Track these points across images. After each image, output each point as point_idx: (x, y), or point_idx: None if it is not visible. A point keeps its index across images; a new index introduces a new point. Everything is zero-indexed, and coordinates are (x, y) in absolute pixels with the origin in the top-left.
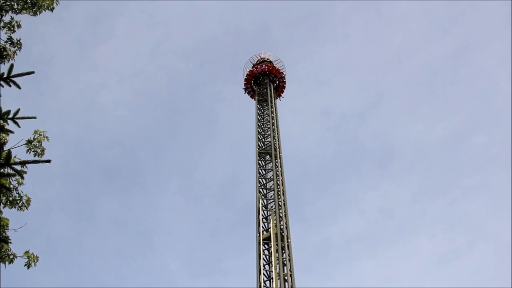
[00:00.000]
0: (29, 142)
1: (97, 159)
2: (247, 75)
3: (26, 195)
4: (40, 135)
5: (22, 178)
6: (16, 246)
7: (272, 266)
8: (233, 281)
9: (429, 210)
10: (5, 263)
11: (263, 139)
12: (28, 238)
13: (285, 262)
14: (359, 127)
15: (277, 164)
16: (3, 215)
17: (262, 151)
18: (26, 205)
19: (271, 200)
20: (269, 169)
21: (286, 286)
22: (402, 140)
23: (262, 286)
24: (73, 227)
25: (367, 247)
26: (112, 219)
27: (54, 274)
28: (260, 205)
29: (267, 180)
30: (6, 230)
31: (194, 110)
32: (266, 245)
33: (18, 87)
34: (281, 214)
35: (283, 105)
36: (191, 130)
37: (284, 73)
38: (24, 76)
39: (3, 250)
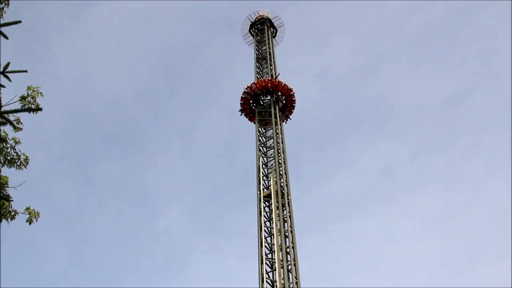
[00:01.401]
0: (22, 98)
1: (96, 123)
2: (244, 92)
3: (24, 154)
4: (34, 91)
5: (15, 128)
6: (18, 208)
7: (272, 222)
8: (234, 239)
9: (427, 169)
10: (7, 220)
11: (262, 98)
12: (30, 202)
13: (285, 218)
14: (358, 88)
15: (276, 122)
16: (2, 174)
17: (261, 110)
18: (25, 163)
19: (271, 158)
20: (269, 128)
21: (287, 242)
22: (402, 101)
23: (263, 242)
24: (74, 190)
25: (365, 205)
26: (113, 182)
27: (57, 236)
28: (260, 163)
29: (267, 138)
30: (6, 188)
31: (193, 71)
32: (266, 203)
33: (6, 37)
34: (281, 172)
35: (282, 65)
36: (190, 91)
37: (293, 90)
38: (18, 42)
39: (4, 207)
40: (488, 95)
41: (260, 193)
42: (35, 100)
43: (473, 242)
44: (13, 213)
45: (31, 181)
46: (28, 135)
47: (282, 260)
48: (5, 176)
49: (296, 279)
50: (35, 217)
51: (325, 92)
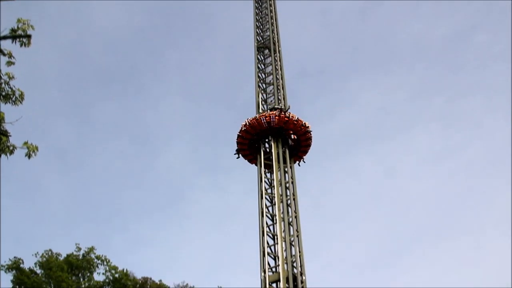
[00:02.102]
0: (13, 31)
1: (93, 64)
2: (242, 131)
3: (18, 89)
4: (24, 24)
5: (4, 55)
6: (16, 143)
7: (271, 157)
8: (234, 176)
9: (427, 107)
10: (6, 155)
11: (261, 33)
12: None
13: (280, 104)
14: (359, 26)
15: (276, 58)
16: None
17: (260, 46)
18: (20, 99)
19: (271, 95)
20: (268, 64)
21: (286, 177)
22: (403, 39)
23: (263, 178)
24: (73, 131)
25: (365, 143)
26: (112, 122)
27: (59, 175)
28: (260, 100)
29: (266, 74)
30: (3, 124)
31: (189, 7)
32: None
33: None
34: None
35: (281, 4)
36: (187, 29)
37: (310, 128)
38: None
39: (2, 142)
40: (491, 33)
41: None
42: (26, 33)
43: (472, 179)
44: (11, 148)
45: (28, 122)
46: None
47: (281, 195)
48: (2, 112)
49: (295, 213)
50: (34, 151)
51: (325, 31)
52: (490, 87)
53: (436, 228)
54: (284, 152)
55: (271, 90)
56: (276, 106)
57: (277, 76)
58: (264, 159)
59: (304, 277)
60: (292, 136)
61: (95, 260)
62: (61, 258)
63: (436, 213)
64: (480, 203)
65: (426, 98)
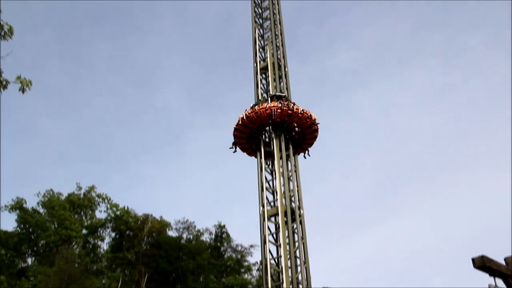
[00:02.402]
0: None
1: (85, 2)
2: (239, 125)
3: (7, 23)
4: None
5: None
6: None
7: (269, 93)
8: (232, 114)
9: (427, 43)
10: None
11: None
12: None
13: (282, 90)
14: None
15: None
16: None
17: None
18: (9, 34)
19: (267, 30)
20: None
21: (282, 83)
22: None
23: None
24: (67, 70)
25: (363, 80)
26: (107, 61)
27: (55, 116)
28: (257, 35)
29: (263, 9)
30: None
31: None
32: (263, 75)
33: None
34: (277, 44)
35: None
36: None
37: (317, 120)
38: None
39: None
40: None
41: (256, 65)
42: None
43: (471, 116)
44: (4, 83)
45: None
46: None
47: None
48: None
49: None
50: (28, 85)
51: None
52: (492, 23)
53: (433, 163)
54: (287, 146)
55: (268, 26)
56: (278, 94)
57: (274, 11)
58: (265, 151)
59: (302, 211)
60: (296, 129)
61: (96, 198)
62: (63, 198)
63: (433, 149)
64: (478, 139)
65: (426, 34)
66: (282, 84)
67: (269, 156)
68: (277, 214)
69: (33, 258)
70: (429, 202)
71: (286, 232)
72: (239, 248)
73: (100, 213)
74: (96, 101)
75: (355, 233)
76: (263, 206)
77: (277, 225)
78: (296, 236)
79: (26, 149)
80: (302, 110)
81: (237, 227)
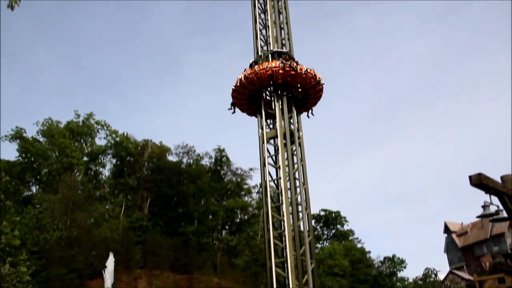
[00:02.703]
0: None
1: None
2: (238, 86)
3: None
4: None
5: None
6: None
7: (267, 15)
8: (229, 37)
9: None
10: None
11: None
12: None
13: (280, 10)
14: None
15: None
16: None
17: None
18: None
19: None
20: None
21: (282, 34)
22: None
23: (258, 35)
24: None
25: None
26: None
27: (47, 43)
28: None
29: None
30: None
31: None
32: (262, 21)
33: None
34: None
35: None
36: None
37: (322, 79)
38: None
39: None
40: None
41: (254, 8)
42: None
43: (472, 39)
44: None
45: None
46: None
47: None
48: None
49: (287, 25)
50: (16, 2)
51: None
52: None
53: (433, 87)
54: (289, 107)
55: None
56: (279, 50)
57: None
58: (266, 113)
59: (300, 133)
60: (300, 89)
61: (95, 125)
62: (62, 126)
63: (434, 72)
64: (479, 62)
65: None
66: (283, 36)
67: (271, 116)
68: (276, 136)
69: (37, 187)
70: (428, 126)
71: (285, 154)
72: (239, 171)
73: (100, 140)
74: (87, 26)
75: (353, 156)
76: (262, 129)
77: (276, 148)
78: (295, 158)
79: (21, 78)
80: (306, 70)
81: (236, 150)
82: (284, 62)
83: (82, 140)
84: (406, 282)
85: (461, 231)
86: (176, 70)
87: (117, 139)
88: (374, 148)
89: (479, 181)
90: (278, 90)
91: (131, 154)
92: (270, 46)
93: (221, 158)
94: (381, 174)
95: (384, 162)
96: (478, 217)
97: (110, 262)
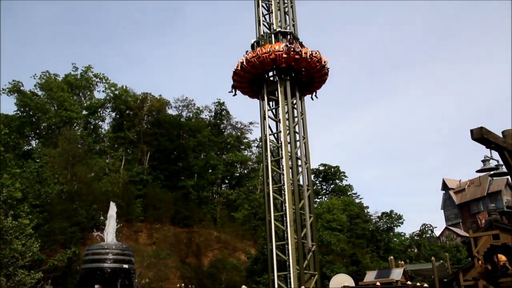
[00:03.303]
0: None
1: None
2: (238, 70)
3: None
4: None
5: None
6: None
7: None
8: None
9: None
10: None
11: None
12: None
13: (286, 21)
14: None
15: None
16: None
17: None
18: None
19: None
20: None
21: (287, 17)
22: None
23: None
24: None
25: None
26: None
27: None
28: None
29: None
30: None
31: None
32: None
33: None
34: None
35: None
36: None
37: (327, 63)
38: None
39: None
40: None
41: None
42: None
43: None
44: None
45: None
46: None
47: None
48: None
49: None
50: None
51: None
52: None
53: (433, 41)
54: (293, 91)
55: None
56: (282, 30)
57: None
58: (268, 97)
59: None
60: (303, 72)
61: (94, 78)
62: (60, 79)
63: (434, 27)
64: (481, 16)
65: None
66: (288, 16)
67: (274, 100)
68: (277, 89)
69: (37, 141)
70: (429, 82)
71: (286, 107)
72: (239, 125)
73: (99, 93)
74: None
75: (353, 112)
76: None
77: (277, 101)
78: (295, 111)
79: (16, 31)
80: (311, 53)
81: (236, 104)
82: (288, 45)
83: (80, 94)
84: (403, 238)
85: (458, 188)
86: (176, 22)
87: (116, 92)
88: (375, 103)
89: (480, 135)
90: (282, 75)
91: (131, 108)
92: (273, 25)
93: (221, 112)
94: (381, 130)
95: (384, 118)
96: (477, 171)
97: (112, 210)
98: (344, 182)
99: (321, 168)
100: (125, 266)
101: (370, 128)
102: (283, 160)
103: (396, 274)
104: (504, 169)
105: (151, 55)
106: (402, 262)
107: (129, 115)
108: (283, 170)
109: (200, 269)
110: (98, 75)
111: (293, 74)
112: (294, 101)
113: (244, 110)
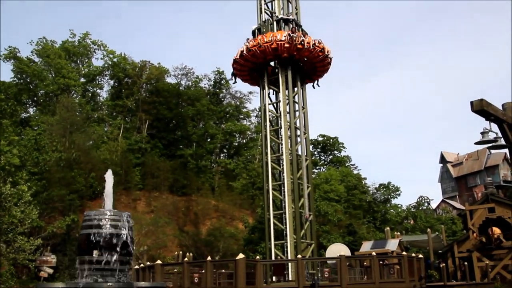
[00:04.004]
0: None
1: None
2: (238, 59)
3: None
4: None
5: None
6: None
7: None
8: None
9: None
10: None
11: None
12: None
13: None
14: None
15: None
16: None
17: None
18: None
19: None
20: None
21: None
22: None
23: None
24: None
25: None
26: None
27: None
28: None
29: None
30: None
31: None
32: None
33: None
34: None
35: None
36: None
37: (330, 52)
38: None
39: None
40: None
41: None
42: None
43: None
44: None
45: None
46: None
47: None
48: None
49: None
50: None
51: None
52: None
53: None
54: (294, 81)
55: None
56: (285, 17)
57: None
58: (269, 86)
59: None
60: (306, 62)
61: (92, 45)
62: (57, 46)
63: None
64: None
65: None
66: (290, 3)
67: (275, 86)
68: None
69: (34, 108)
70: (429, 55)
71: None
72: (238, 94)
73: (97, 61)
74: None
75: (354, 83)
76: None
77: (277, 70)
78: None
79: None
80: (314, 43)
81: None
82: (291, 34)
83: (78, 61)
84: (400, 209)
85: (456, 162)
86: None
87: (115, 60)
88: (375, 76)
89: (480, 107)
90: (283, 64)
91: (129, 76)
92: (275, 13)
93: (220, 81)
94: (381, 103)
95: (384, 91)
96: (476, 143)
97: (109, 178)
98: (343, 153)
99: (320, 138)
100: (123, 232)
101: (370, 101)
102: (282, 130)
103: (392, 244)
104: (502, 141)
105: (150, 22)
106: (398, 233)
107: (127, 83)
108: (281, 140)
109: (198, 237)
110: (96, 42)
111: (295, 64)
112: (295, 89)
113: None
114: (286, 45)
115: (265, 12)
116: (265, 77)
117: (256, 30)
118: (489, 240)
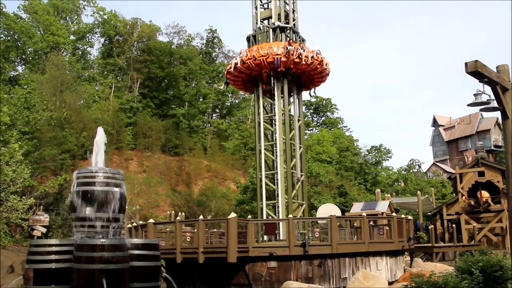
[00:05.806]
0: None
1: None
2: (231, 71)
3: None
4: None
5: None
6: None
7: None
8: None
9: None
10: None
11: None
12: None
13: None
14: None
15: None
16: None
17: None
18: None
19: None
20: None
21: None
22: None
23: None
24: None
25: None
26: None
27: None
28: None
29: None
30: None
31: None
32: None
33: None
34: None
35: None
36: None
37: (328, 65)
38: None
39: None
40: None
41: None
42: None
43: None
44: None
45: None
46: None
47: None
48: None
49: None
50: None
51: None
52: None
53: None
54: (290, 91)
55: None
56: (282, 25)
57: None
58: (263, 95)
59: (296, 14)
60: (303, 72)
61: (81, 1)
62: (45, 1)
63: None
64: None
65: None
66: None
67: (270, 96)
68: (271, 17)
69: (23, 66)
70: (423, 17)
71: (280, 36)
72: (231, 53)
73: (87, 18)
74: None
75: (346, 46)
76: (256, 8)
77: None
78: (294, 37)
79: None
80: (312, 56)
81: (229, 33)
82: (288, 47)
83: (67, 18)
84: (391, 172)
85: (448, 125)
86: None
87: (105, 17)
88: (369, 38)
89: (475, 68)
90: (279, 77)
91: (120, 34)
92: (272, 19)
93: (212, 40)
94: (374, 65)
95: (378, 53)
96: (469, 105)
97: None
98: (335, 115)
99: (313, 99)
100: (116, 189)
101: (364, 63)
102: (275, 90)
103: (382, 206)
104: (495, 104)
105: None
106: (389, 195)
107: (118, 41)
108: (274, 100)
109: (190, 197)
110: None
111: (292, 76)
112: (292, 94)
113: (237, 38)
114: (283, 58)
115: (261, 21)
116: (260, 91)
117: (251, 37)
118: (477, 203)
